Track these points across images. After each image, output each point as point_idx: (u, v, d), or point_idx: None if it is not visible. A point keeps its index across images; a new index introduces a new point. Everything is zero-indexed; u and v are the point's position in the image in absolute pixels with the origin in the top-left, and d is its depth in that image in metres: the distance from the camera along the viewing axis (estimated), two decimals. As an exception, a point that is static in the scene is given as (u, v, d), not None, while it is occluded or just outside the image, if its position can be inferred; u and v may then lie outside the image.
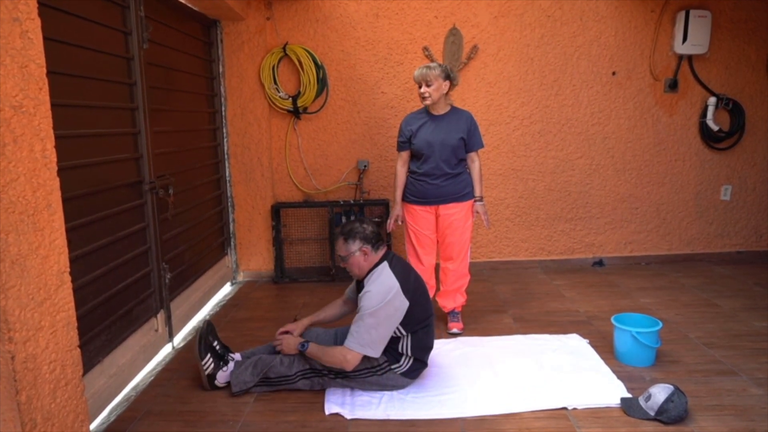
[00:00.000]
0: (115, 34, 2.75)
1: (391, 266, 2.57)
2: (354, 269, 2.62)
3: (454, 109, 3.26)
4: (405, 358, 2.60)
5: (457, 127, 3.20)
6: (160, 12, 3.26)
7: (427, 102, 3.16)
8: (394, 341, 2.58)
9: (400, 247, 4.52)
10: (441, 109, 3.21)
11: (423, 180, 3.25)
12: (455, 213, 3.26)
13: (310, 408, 2.52)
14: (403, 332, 2.57)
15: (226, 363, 2.68)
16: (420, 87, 3.16)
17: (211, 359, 2.65)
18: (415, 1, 4.28)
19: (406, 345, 2.59)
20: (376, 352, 2.51)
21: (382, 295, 2.47)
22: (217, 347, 2.72)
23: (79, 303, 2.18)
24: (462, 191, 3.27)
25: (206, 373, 2.65)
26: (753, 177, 4.67)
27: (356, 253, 2.58)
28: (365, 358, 2.54)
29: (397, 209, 3.38)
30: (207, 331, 2.69)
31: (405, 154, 3.31)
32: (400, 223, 3.41)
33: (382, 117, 4.44)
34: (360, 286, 2.64)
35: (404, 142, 3.28)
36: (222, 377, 2.67)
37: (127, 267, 2.80)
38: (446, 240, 3.31)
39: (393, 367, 2.59)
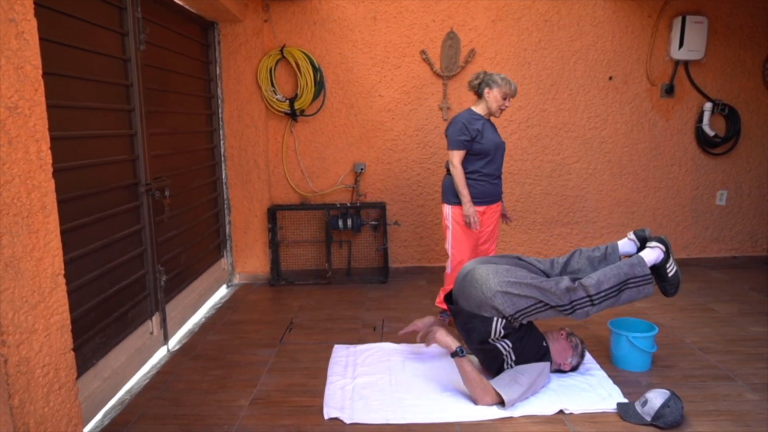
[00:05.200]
0: (112, 35, 2.74)
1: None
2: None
3: None
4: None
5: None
6: (157, 13, 3.25)
7: (498, 115, 3.33)
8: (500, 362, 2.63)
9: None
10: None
11: (485, 180, 3.31)
12: (500, 210, 3.48)
13: (306, 412, 2.51)
14: (512, 358, 2.61)
15: None
16: (507, 100, 3.25)
17: None
18: (413, 5, 4.28)
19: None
20: (512, 404, 2.49)
21: (546, 370, 2.63)
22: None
23: (74, 305, 2.16)
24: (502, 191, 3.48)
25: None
26: (748, 182, 4.68)
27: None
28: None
29: (473, 208, 3.27)
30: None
31: (464, 153, 3.28)
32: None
33: (380, 120, 4.44)
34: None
35: (468, 141, 3.24)
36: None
37: (123, 269, 2.78)
38: (493, 236, 3.48)
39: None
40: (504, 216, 3.57)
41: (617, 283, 2.52)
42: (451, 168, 3.28)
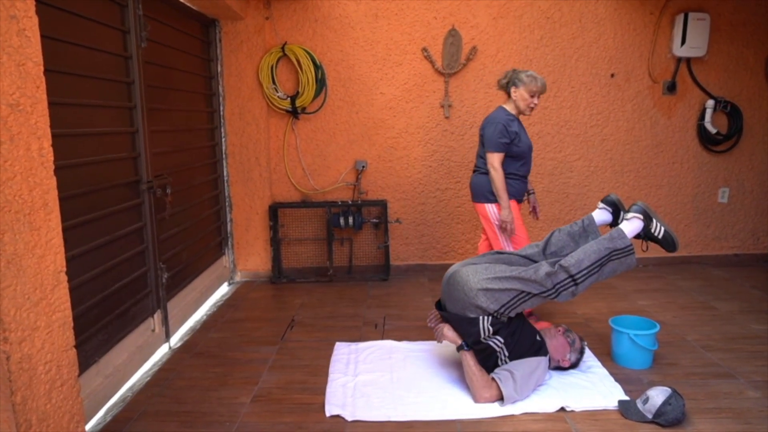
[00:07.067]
0: (113, 32, 2.74)
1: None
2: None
3: None
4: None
5: None
6: (159, 11, 3.25)
7: (529, 114, 3.27)
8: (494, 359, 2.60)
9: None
10: None
11: (521, 179, 3.32)
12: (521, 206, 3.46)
13: (308, 409, 2.51)
14: (505, 354, 2.60)
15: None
16: (535, 97, 3.17)
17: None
18: (415, 2, 4.27)
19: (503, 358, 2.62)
20: (511, 399, 2.49)
21: (542, 365, 2.62)
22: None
23: (76, 303, 2.17)
24: None
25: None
26: (750, 180, 4.67)
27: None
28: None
29: (512, 214, 3.21)
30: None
31: (504, 155, 3.20)
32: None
33: (381, 118, 4.43)
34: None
35: (508, 144, 3.19)
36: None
37: (124, 267, 2.79)
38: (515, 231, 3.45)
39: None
40: (534, 210, 3.55)
41: (598, 259, 2.51)
42: (491, 171, 3.17)
